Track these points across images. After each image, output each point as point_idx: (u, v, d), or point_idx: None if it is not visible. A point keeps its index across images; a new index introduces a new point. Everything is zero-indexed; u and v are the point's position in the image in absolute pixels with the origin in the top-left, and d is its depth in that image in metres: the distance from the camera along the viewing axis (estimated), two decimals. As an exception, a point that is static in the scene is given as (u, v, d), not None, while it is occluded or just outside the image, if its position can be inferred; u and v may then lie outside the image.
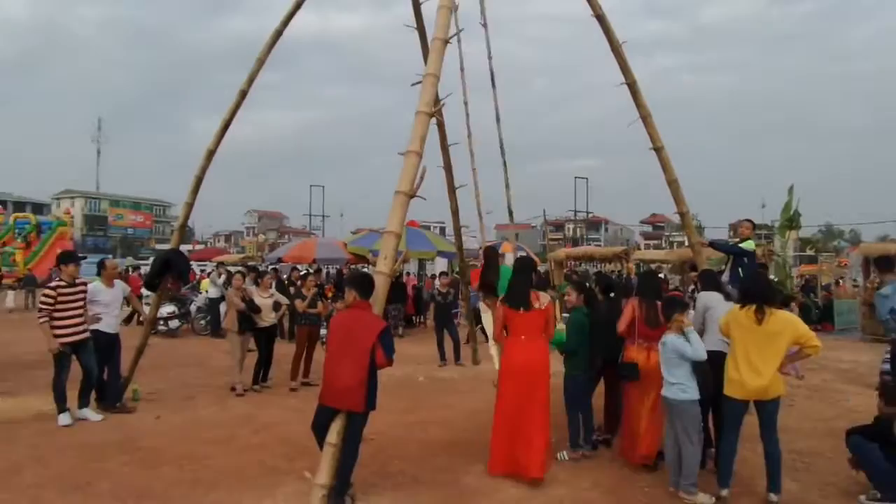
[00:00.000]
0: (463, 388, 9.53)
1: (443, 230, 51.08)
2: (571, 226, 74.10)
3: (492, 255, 7.47)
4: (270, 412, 7.81)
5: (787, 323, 4.90)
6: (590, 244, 54.34)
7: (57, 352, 6.91)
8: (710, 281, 6.43)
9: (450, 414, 7.82)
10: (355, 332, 4.72)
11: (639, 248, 41.96)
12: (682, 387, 5.11)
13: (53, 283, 7.12)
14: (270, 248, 53.44)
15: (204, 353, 12.40)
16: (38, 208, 66.99)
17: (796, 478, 5.58)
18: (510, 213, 8.85)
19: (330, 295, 12.54)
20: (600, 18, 7.63)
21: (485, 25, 8.15)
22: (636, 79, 7.62)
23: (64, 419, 6.96)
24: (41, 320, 6.93)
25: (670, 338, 5.20)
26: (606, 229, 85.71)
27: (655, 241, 79.61)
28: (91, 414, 7.22)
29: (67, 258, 7.34)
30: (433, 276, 20.71)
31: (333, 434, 4.58)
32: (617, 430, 6.44)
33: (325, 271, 22.48)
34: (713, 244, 8.35)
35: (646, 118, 7.66)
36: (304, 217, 66.90)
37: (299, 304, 9.69)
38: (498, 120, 8.32)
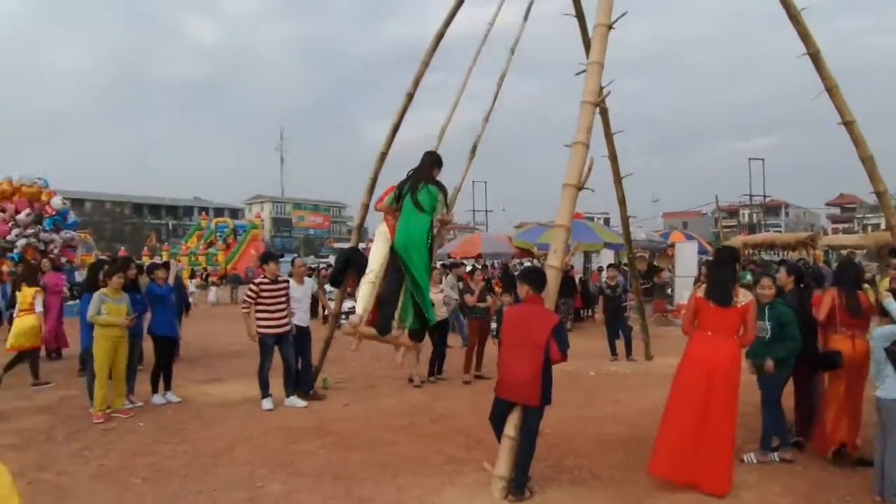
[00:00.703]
0: (635, 383, 9.27)
1: (607, 220, 49.78)
2: (747, 211, 68.90)
3: None
4: (446, 403, 8.12)
5: None
6: (769, 230, 50.18)
7: (257, 340, 7.70)
8: None
9: (623, 409, 7.65)
10: (529, 326, 4.77)
11: (826, 233, 37.93)
12: (893, 383, 4.61)
13: (257, 280, 7.93)
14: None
15: (382, 346, 13.06)
16: (234, 213, 74.74)
17: None
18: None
19: (498, 289, 12.72)
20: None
21: None
22: (819, 48, 6.95)
23: (266, 404, 7.74)
24: (244, 310, 7.83)
25: (882, 329, 4.72)
26: (787, 213, 78.71)
27: (845, 225, 71.45)
28: (297, 401, 7.93)
29: (268, 257, 8.19)
30: (599, 269, 20.30)
31: (511, 427, 4.68)
32: (809, 433, 5.92)
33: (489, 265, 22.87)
34: None
35: (832, 90, 6.97)
36: (467, 213, 68.45)
37: (469, 299, 9.96)
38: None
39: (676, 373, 5.29)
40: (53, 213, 20.25)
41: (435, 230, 5.77)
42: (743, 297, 5.14)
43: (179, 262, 24.23)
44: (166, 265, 9.42)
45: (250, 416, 7.45)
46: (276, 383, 7.95)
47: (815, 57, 7.00)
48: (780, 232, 48.22)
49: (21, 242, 19.36)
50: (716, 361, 4.98)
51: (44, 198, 20.30)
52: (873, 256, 19.36)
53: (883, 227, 12.26)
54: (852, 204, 74.06)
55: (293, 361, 8.02)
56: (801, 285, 6.31)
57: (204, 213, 53.35)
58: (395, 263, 5.78)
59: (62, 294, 12.08)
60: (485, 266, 19.15)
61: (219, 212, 69.63)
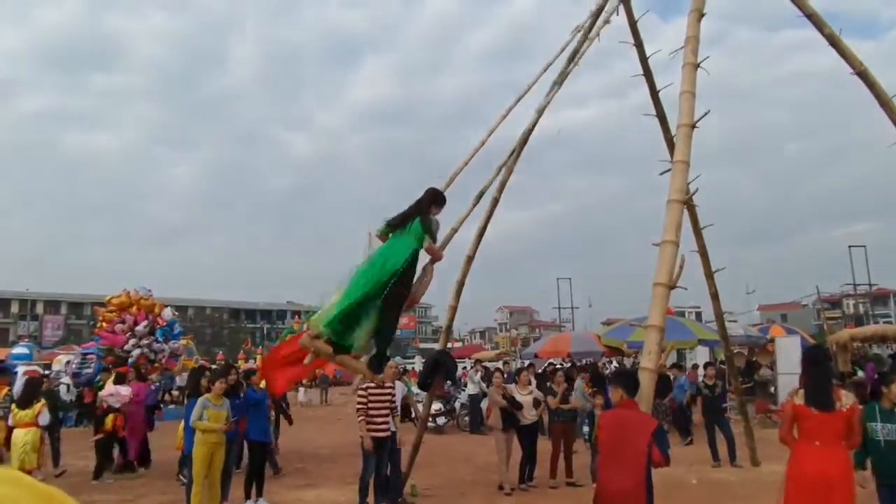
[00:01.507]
0: (741, 492, 8.62)
1: (699, 315, 47.87)
2: (851, 301, 64.69)
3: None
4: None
5: None
6: (878, 321, 46.66)
7: (372, 448, 7.64)
8: None
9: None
10: (628, 432, 4.59)
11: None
12: None
13: (364, 385, 8.02)
14: (523, 342, 54.48)
15: (469, 449, 12.86)
16: (324, 316, 76.64)
17: None
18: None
19: (588, 390, 12.33)
20: (862, 74, 6.99)
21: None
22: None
23: (363, 513, 7.63)
24: (359, 419, 7.82)
25: None
26: (897, 302, 73.30)
27: (963, 312, 65.68)
28: None
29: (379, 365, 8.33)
30: (694, 367, 19.38)
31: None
32: None
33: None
34: None
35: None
36: (553, 310, 67.53)
37: (552, 401, 9.64)
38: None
39: (787, 489, 4.88)
40: (164, 324, 21.58)
41: (423, 269, 5.54)
42: (846, 399, 4.84)
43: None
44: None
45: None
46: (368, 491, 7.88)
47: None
48: (890, 323, 44.77)
49: (136, 352, 20.61)
50: (830, 474, 4.63)
51: (157, 310, 21.73)
52: None
53: None
54: (971, 289, 68.31)
55: (385, 468, 7.97)
56: None
57: (297, 316, 55.04)
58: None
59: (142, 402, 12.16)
60: (573, 364, 18.68)
61: (310, 315, 71.80)
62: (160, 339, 21.24)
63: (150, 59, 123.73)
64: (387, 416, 7.89)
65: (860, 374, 17.50)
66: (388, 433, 7.89)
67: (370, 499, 7.81)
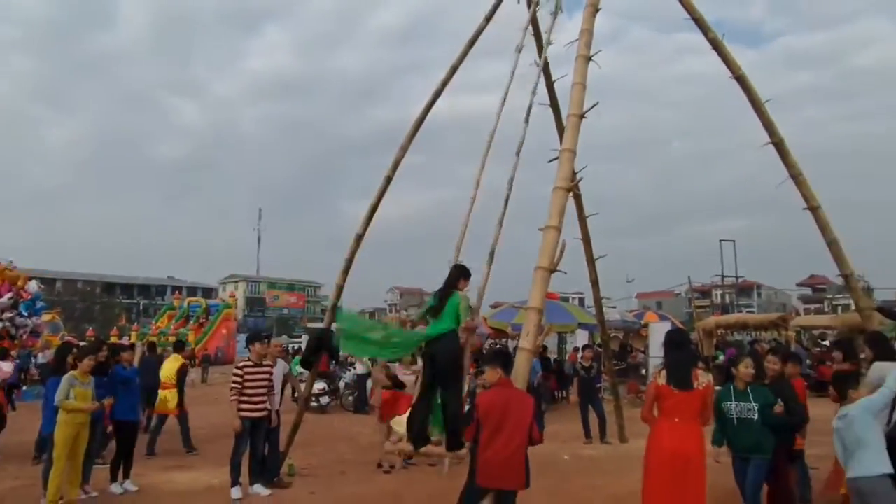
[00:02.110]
0: (610, 466, 9.10)
1: (581, 301, 50.00)
2: (719, 292, 69.86)
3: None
4: (417, 489, 7.87)
5: None
6: (741, 311, 50.73)
7: (240, 429, 7.45)
8: (882, 346, 5.80)
9: (598, 496, 7.50)
10: (511, 409, 4.71)
11: (798, 314, 38.40)
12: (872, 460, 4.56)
13: (241, 363, 7.73)
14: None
15: (352, 429, 12.80)
16: (208, 292, 73.70)
17: None
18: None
19: (473, 371, 12.56)
20: (740, 79, 7.46)
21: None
22: (783, 137, 7.29)
23: (235, 493, 7.41)
24: (232, 398, 7.54)
25: (855, 407, 4.72)
26: (759, 294, 79.83)
27: (816, 305, 72.66)
28: (261, 489, 7.63)
29: (254, 338, 8.06)
30: (575, 349, 20.25)
31: (482, 515, 4.54)
32: None
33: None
34: (882, 310, 7.56)
35: (796, 177, 7.28)
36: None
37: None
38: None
39: (647, 463, 5.14)
40: (28, 297, 20.09)
41: (462, 339, 5.77)
42: (702, 378, 5.14)
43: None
44: (132, 347, 9.24)
45: (213, 505, 7.13)
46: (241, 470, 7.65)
47: (778, 146, 7.34)
48: (752, 312, 48.68)
49: (-4, 326, 18.96)
50: (687, 448, 4.91)
51: (21, 283, 20.13)
52: (844, 338, 19.63)
53: (852, 307, 12.51)
54: (822, 285, 75.56)
55: (261, 447, 7.77)
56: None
57: (177, 292, 52.37)
58: (425, 372, 5.88)
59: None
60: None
61: (192, 291, 68.52)
62: (24, 313, 19.73)
63: (30, 11, 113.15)
64: (264, 395, 7.68)
65: (721, 358, 18.98)
66: (265, 412, 7.68)
67: (244, 479, 7.60)
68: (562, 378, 17.95)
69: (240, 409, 7.49)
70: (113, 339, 24.18)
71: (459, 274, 6.13)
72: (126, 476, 7.88)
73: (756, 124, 7.54)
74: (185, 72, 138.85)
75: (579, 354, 14.12)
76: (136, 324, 45.02)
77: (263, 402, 7.66)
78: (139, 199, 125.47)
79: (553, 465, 9.03)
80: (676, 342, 5.48)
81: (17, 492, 7.71)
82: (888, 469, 4.50)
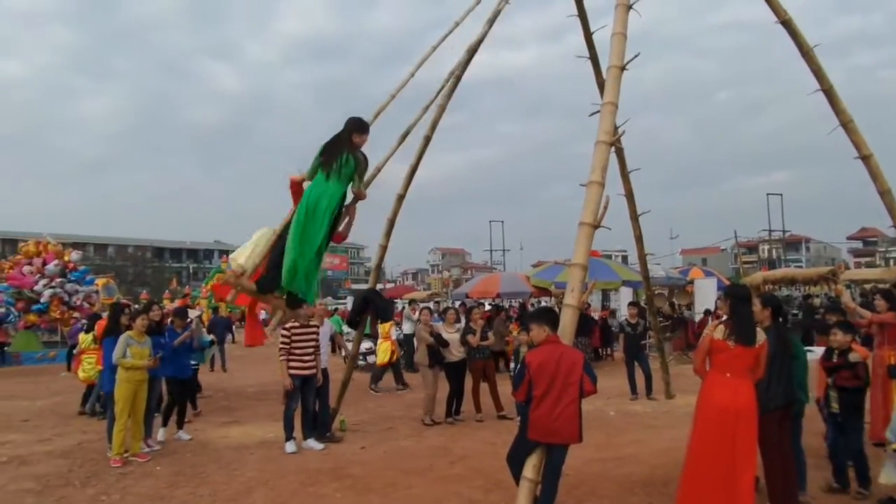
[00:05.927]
0: (656, 422, 9.11)
1: (625, 258, 49.48)
2: (766, 247, 68.27)
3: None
4: (464, 444, 8.02)
5: None
6: (789, 266, 49.51)
7: (291, 387, 7.72)
8: None
9: (644, 450, 7.50)
10: (561, 365, 4.72)
11: (848, 268, 37.06)
12: None
13: (288, 325, 7.88)
14: (455, 284, 55.15)
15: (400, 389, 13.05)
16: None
17: None
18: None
19: (516, 331, 12.61)
20: (786, 24, 7.13)
21: None
22: (832, 84, 6.99)
23: (290, 447, 7.69)
24: (281, 358, 7.80)
25: None
26: (808, 248, 77.83)
27: (867, 259, 70.13)
28: (315, 444, 7.89)
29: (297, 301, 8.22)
30: (610, 310, 20.15)
31: (530, 469, 4.59)
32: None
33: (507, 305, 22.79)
34: None
35: (847, 125, 6.98)
36: (485, 252, 68.39)
37: (472, 339, 9.73)
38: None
39: (696, 417, 5.07)
40: (73, 267, 21.34)
41: (345, 208, 5.45)
42: (759, 336, 5.03)
43: (199, 305, 24.41)
44: (184, 311, 9.60)
45: (268, 459, 7.41)
46: (294, 426, 7.93)
47: (828, 93, 7.03)
48: (801, 267, 47.52)
49: (48, 293, 19.83)
50: (738, 403, 4.82)
51: (65, 257, 21.34)
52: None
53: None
54: (874, 237, 73.03)
55: (312, 404, 8.03)
56: (780, 319, 5.85)
57: (224, 255, 53.59)
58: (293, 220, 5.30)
59: None
60: (498, 307, 19.06)
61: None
62: (73, 279, 20.76)
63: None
64: (311, 354, 7.90)
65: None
66: (313, 371, 7.91)
67: (297, 435, 7.87)
68: (606, 335, 17.90)
69: (289, 368, 7.74)
70: (165, 303, 24.99)
71: (354, 127, 5.48)
72: (179, 427, 8.42)
73: (804, 71, 7.23)
74: (220, 34, 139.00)
75: (624, 311, 14.03)
76: (187, 286, 46.33)
77: (312, 360, 7.89)
78: (181, 165, 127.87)
79: (600, 422, 9.07)
80: (743, 297, 5.27)
81: (85, 446, 8.14)
82: None
